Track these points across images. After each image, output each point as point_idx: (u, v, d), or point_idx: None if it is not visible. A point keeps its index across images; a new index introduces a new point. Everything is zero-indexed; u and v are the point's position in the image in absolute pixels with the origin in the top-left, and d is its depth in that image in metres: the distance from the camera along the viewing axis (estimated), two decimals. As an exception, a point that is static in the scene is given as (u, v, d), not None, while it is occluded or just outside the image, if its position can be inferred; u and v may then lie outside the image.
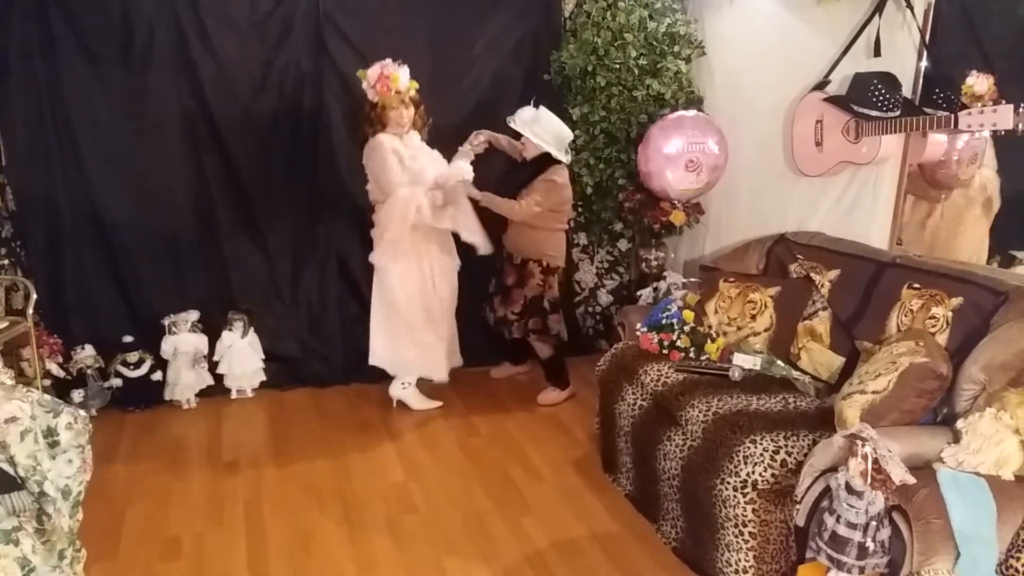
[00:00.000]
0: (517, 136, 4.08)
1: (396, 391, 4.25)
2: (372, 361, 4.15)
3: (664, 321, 3.46)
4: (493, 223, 4.22)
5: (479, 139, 4.13)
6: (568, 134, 4.06)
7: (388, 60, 3.83)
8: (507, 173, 4.21)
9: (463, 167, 4.06)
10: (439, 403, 4.28)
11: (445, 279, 4.15)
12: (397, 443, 3.86)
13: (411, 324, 4.09)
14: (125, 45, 3.98)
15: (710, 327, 3.40)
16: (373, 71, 3.82)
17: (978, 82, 3.03)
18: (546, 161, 4.02)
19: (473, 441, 3.89)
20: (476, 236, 4.00)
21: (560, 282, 4.32)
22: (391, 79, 3.80)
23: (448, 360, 4.26)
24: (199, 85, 4.13)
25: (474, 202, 4.02)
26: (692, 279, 3.94)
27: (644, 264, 4.64)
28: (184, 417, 4.15)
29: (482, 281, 4.52)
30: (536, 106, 4.03)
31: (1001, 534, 2.06)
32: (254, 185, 4.30)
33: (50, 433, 2.35)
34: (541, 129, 3.96)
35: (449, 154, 4.14)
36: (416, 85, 3.94)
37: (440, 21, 4.41)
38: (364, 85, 3.85)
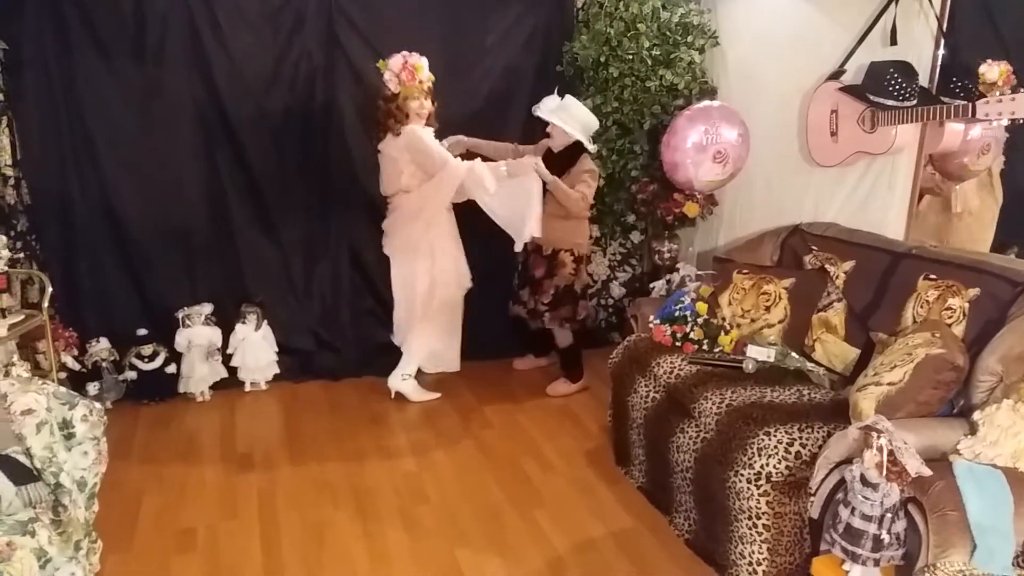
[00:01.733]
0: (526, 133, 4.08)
1: (395, 382, 4.27)
2: (395, 339, 4.32)
3: (677, 313, 3.44)
4: None
5: (542, 174, 3.99)
6: (595, 122, 4.06)
7: (406, 52, 3.87)
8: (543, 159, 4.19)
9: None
10: (437, 395, 4.31)
11: (456, 272, 4.18)
12: (409, 435, 3.86)
13: (424, 313, 4.13)
14: (138, 39, 3.99)
15: (724, 319, 3.39)
16: (396, 61, 3.85)
17: (990, 70, 2.99)
18: (576, 151, 4.03)
19: (485, 433, 3.89)
20: (529, 222, 3.88)
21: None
22: (416, 68, 3.85)
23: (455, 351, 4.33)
24: (211, 79, 4.13)
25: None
26: (706, 271, 3.92)
27: (657, 256, 4.63)
28: (198, 410, 4.17)
29: (501, 276, 4.54)
30: (561, 95, 4.02)
31: (1018, 526, 2.04)
32: (267, 178, 4.31)
33: (66, 425, 2.37)
34: (569, 116, 3.96)
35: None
36: (432, 78, 3.96)
37: (452, 13, 4.40)
38: (386, 76, 3.87)
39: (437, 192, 3.95)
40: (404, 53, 3.87)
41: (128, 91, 4.03)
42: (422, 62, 3.89)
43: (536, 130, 4.28)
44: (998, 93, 2.72)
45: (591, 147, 4.07)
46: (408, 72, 3.84)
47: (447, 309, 4.23)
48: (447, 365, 4.38)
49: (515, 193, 3.90)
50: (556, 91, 4.05)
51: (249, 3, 4.12)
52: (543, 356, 4.74)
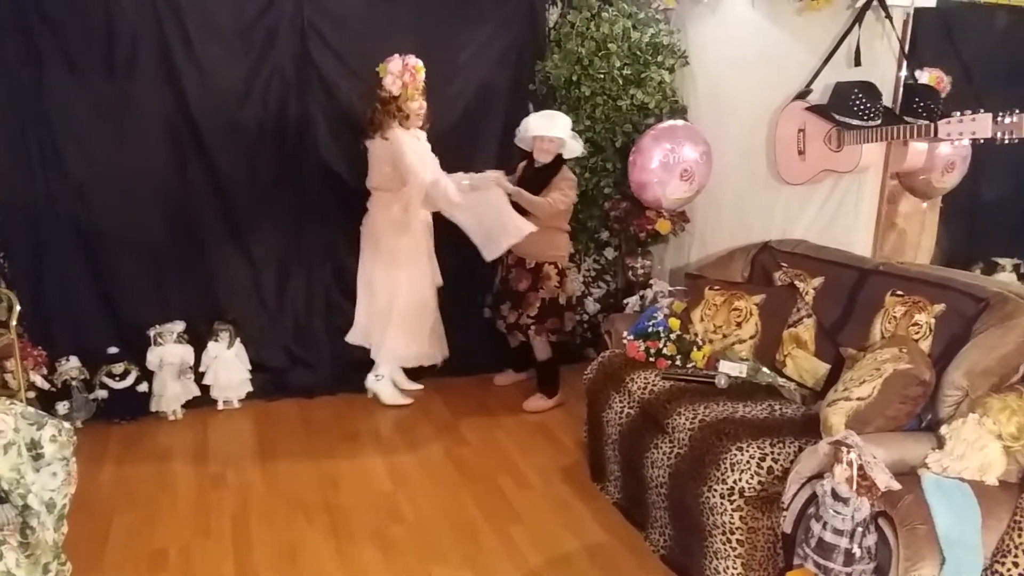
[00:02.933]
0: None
1: (370, 382, 4.35)
2: (349, 338, 4.39)
3: (650, 329, 3.48)
4: None
5: (504, 187, 4.09)
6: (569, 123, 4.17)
7: (398, 55, 3.97)
8: (521, 180, 4.23)
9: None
10: (410, 400, 4.37)
11: (426, 278, 4.27)
12: (385, 453, 3.85)
13: (396, 318, 4.21)
14: (108, 53, 3.96)
15: (696, 335, 3.42)
16: (395, 64, 3.94)
17: (921, 76, 3.09)
18: (557, 163, 4.12)
19: (461, 450, 3.89)
20: (503, 236, 3.99)
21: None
22: (416, 69, 3.96)
23: (433, 348, 4.40)
24: (183, 93, 4.11)
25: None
26: (678, 287, 3.96)
27: (631, 272, 4.66)
28: (170, 428, 4.12)
29: (480, 291, 4.59)
30: (533, 108, 4.14)
31: (986, 539, 2.08)
32: (239, 194, 4.28)
33: (34, 446, 2.33)
34: (564, 126, 4.08)
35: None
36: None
37: (425, 30, 4.41)
38: (387, 80, 3.94)
39: (408, 200, 4.08)
40: (401, 56, 3.95)
41: (99, 106, 4.00)
42: (420, 63, 3.99)
43: (510, 147, 4.33)
44: (958, 113, 2.79)
45: (580, 149, 4.20)
46: (411, 74, 3.94)
47: (418, 311, 4.29)
48: (430, 359, 4.43)
49: (481, 206, 4.00)
50: (530, 105, 4.11)
51: (221, 18, 4.11)
52: (523, 371, 4.75)
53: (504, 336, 4.52)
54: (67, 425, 2.48)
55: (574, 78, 4.42)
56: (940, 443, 2.32)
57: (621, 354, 3.52)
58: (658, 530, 3.01)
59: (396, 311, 4.24)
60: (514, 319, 4.28)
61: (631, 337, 3.51)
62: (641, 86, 4.38)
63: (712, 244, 4.35)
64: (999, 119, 2.71)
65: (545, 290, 4.22)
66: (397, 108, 3.97)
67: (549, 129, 4.03)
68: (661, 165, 4.10)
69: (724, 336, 3.37)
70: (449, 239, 4.28)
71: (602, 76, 4.36)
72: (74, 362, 4.05)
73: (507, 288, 4.33)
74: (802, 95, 3.61)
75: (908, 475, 2.25)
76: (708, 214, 4.44)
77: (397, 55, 3.95)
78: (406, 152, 3.97)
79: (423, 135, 4.13)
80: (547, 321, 4.25)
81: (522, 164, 4.23)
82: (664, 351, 3.37)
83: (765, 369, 3.15)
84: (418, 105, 4.01)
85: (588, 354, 4.80)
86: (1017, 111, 2.68)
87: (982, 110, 2.75)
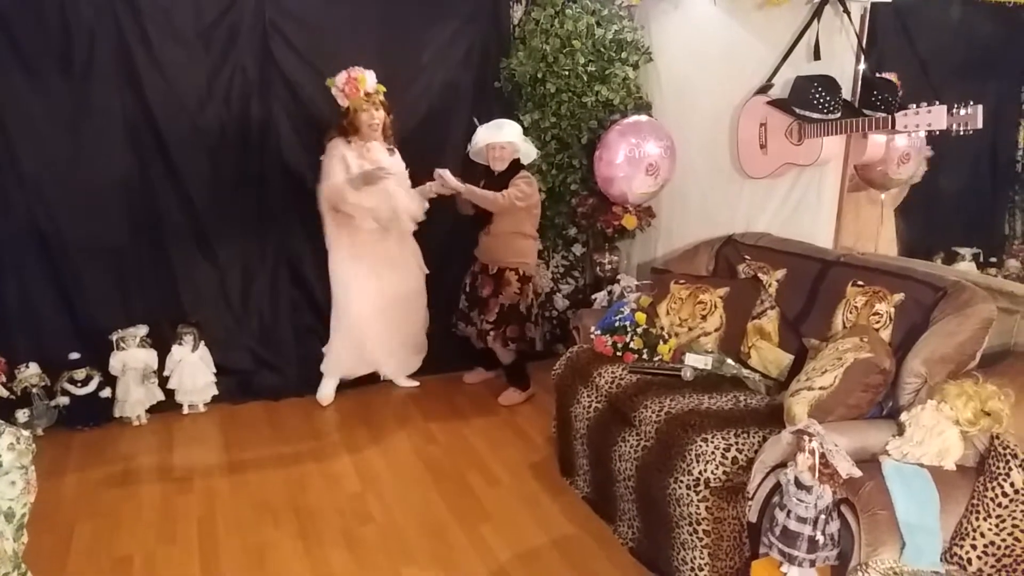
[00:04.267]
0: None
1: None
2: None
3: (617, 324, 3.49)
4: (462, 236, 4.42)
5: (450, 184, 4.13)
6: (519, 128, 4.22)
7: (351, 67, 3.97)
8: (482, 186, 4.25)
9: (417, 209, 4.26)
10: (329, 400, 4.41)
11: (368, 288, 4.26)
12: (353, 454, 3.82)
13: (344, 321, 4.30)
14: (65, 54, 3.89)
15: (662, 328, 3.44)
16: (340, 76, 3.94)
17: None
18: (514, 169, 4.17)
19: (431, 449, 3.88)
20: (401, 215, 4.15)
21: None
22: (358, 80, 3.94)
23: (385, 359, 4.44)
24: (143, 94, 4.05)
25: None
26: (645, 282, 3.98)
27: (598, 268, 4.68)
28: (135, 434, 4.06)
29: (448, 291, 4.59)
30: (479, 121, 4.20)
31: (944, 523, 2.12)
32: (201, 195, 4.23)
33: (-9, 454, 2.28)
34: (513, 132, 4.12)
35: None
36: (383, 89, 4.03)
37: (388, 29, 4.40)
38: (333, 92, 3.96)
39: (340, 214, 4.13)
40: (349, 68, 3.95)
41: (55, 108, 3.92)
42: (365, 74, 3.96)
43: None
44: (915, 106, 2.83)
45: (533, 152, 4.28)
46: (351, 85, 3.91)
47: (351, 324, 4.29)
48: (366, 368, 4.48)
49: (376, 197, 4.06)
50: (475, 120, 4.16)
51: (181, 18, 4.05)
52: (493, 369, 4.75)
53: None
54: (26, 433, 2.42)
55: (539, 75, 4.42)
56: (900, 430, 2.35)
57: (589, 349, 3.53)
58: (626, 523, 3.02)
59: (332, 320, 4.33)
60: (480, 324, 4.29)
61: (598, 332, 3.52)
62: (606, 82, 4.39)
63: (678, 238, 4.37)
64: (954, 111, 2.76)
65: (504, 296, 4.23)
66: (348, 122, 3.99)
67: (498, 136, 4.07)
68: (627, 160, 4.12)
69: (689, 329, 3.40)
70: (420, 241, 4.30)
71: (567, 73, 4.36)
72: (34, 369, 3.97)
73: (474, 294, 4.35)
74: (763, 89, 3.65)
75: (870, 462, 2.27)
76: (674, 209, 4.47)
77: (344, 71, 3.96)
78: (328, 163, 4.03)
79: (378, 148, 4.09)
80: (505, 328, 4.25)
81: (481, 182, 4.22)
82: (631, 345, 3.38)
83: (730, 361, 3.18)
84: (368, 116, 3.99)
85: (557, 350, 4.81)
86: (971, 103, 2.72)
87: (937, 102, 2.80)
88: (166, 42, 4.04)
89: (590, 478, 3.33)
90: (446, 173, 4.08)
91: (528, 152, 4.23)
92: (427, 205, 4.29)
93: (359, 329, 4.30)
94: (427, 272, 4.50)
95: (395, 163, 4.19)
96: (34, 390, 3.96)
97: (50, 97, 3.92)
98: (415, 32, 4.48)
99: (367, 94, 3.98)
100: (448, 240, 4.65)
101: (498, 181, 4.15)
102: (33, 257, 4.02)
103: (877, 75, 3.23)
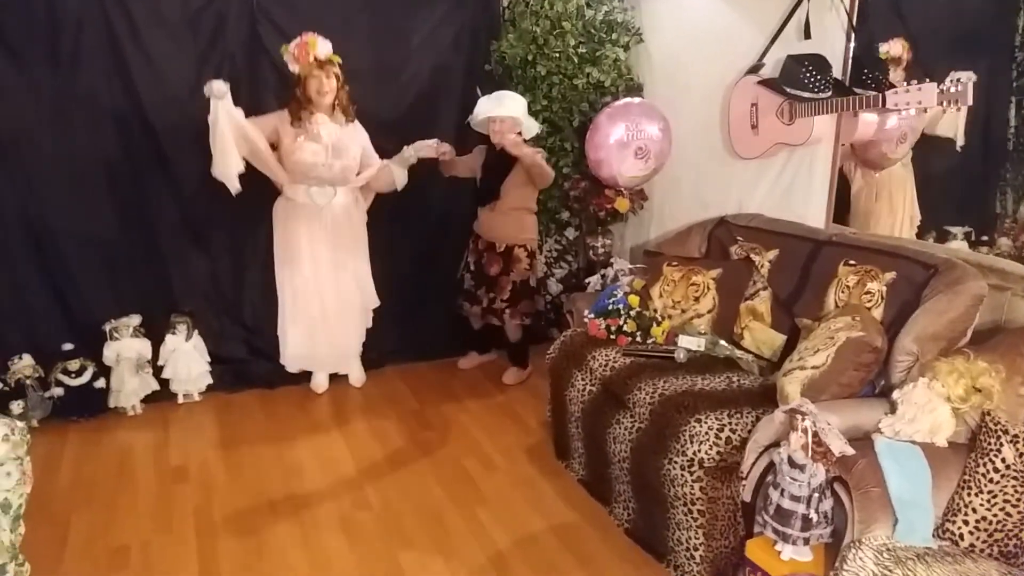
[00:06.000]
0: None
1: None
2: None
3: (611, 307, 3.49)
4: (454, 216, 4.44)
5: (442, 149, 4.14)
6: (524, 104, 4.14)
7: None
8: (484, 166, 4.23)
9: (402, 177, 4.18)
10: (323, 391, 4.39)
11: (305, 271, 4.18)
12: (349, 441, 3.83)
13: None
14: (52, 44, 3.84)
15: (655, 311, 3.45)
16: (294, 43, 3.83)
17: (893, 46, 3.12)
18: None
19: (426, 434, 3.88)
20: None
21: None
22: (309, 44, 3.78)
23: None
24: (132, 83, 4.00)
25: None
26: (638, 265, 3.98)
27: (591, 251, 4.68)
28: (129, 424, 4.06)
29: (440, 275, 4.57)
30: (480, 92, 4.10)
31: (937, 499, 2.13)
32: (192, 184, 4.19)
33: (-15, 446, 2.28)
34: (514, 104, 4.04)
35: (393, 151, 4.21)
36: (339, 59, 3.92)
37: (377, 13, 4.36)
38: (286, 58, 3.85)
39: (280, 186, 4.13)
40: (302, 33, 3.83)
41: (43, 97, 3.88)
42: (316, 39, 3.81)
43: (467, 130, 4.30)
44: (903, 79, 2.82)
45: (536, 127, 4.21)
46: (301, 49, 3.78)
47: (290, 310, 4.25)
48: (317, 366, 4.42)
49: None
50: (478, 90, 4.09)
51: (168, 5, 4.01)
52: (486, 353, 4.77)
53: (465, 319, 4.53)
54: (20, 424, 2.43)
55: (529, 58, 4.39)
56: (892, 408, 2.36)
57: (583, 332, 3.54)
58: (622, 504, 3.04)
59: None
60: (487, 303, 4.28)
61: (592, 315, 3.52)
62: (597, 64, 4.38)
63: (671, 221, 4.37)
64: (944, 88, 2.75)
65: (516, 273, 4.25)
66: (301, 91, 3.86)
67: (498, 110, 4.01)
68: (616, 143, 4.10)
69: (683, 311, 3.40)
70: (413, 224, 4.27)
71: (557, 55, 4.35)
72: (27, 360, 3.96)
73: (480, 273, 4.33)
74: (754, 69, 3.63)
75: (862, 440, 2.29)
76: (666, 191, 4.46)
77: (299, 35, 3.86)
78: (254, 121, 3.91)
79: (324, 120, 3.96)
80: (520, 303, 4.27)
81: (479, 148, 4.21)
82: (624, 328, 3.38)
83: (723, 342, 3.18)
84: (317, 83, 3.84)
85: (551, 334, 4.82)
86: (960, 79, 2.71)
87: (928, 80, 2.78)
88: (153, 30, 4.00)
89: (585, 461, 3.34)
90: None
91: (531, 127, 4.17)
92: (405, 178, 4.22)
93: (296, 316, 4.25)
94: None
95: (354, 133, 4.08)
96: (28, 381, 3.94)
97: (38, 87, 3.87)
98: (404, 16, 4.44)
99: (318, 60, 3.81)
100: (439, 221, 4.63)
101: (501, 156, 4.07)
102: (24, 248, 4.00)
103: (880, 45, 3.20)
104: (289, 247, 4.14)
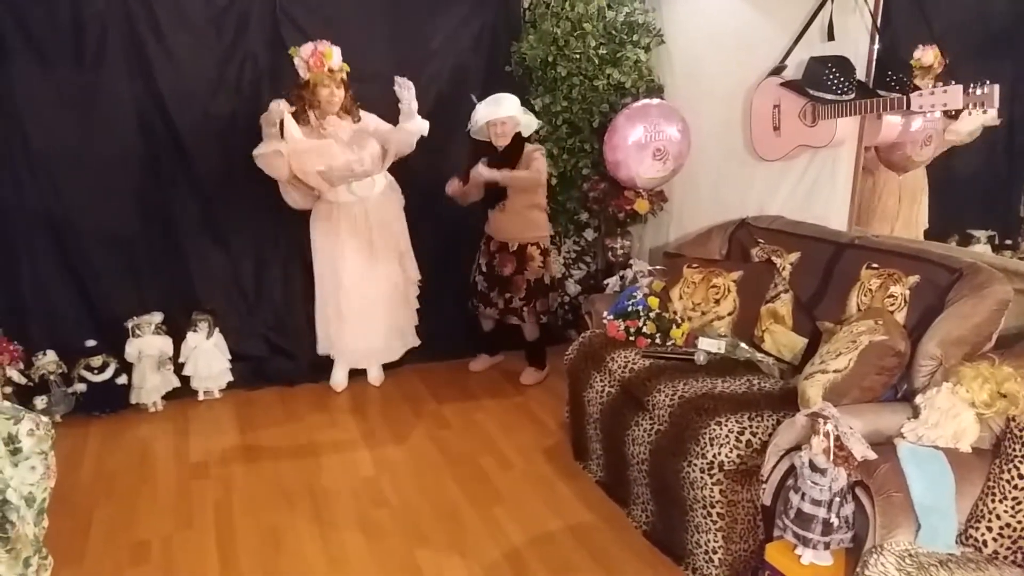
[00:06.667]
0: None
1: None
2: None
3: (630, 308, 3.48)
4: (469, 218, 4.40)
5: (452, 188, 4.25)
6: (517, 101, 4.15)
7: (318, 40, 3.89)
8: (488, 165, 4.24)
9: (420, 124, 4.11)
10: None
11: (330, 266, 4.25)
12: (367, 439, 3.84)
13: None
14: (77, 44, 3.90)
15: (675, 313, 3.43)
16: (306, 48, 3.85)
17: (924, 54, 3.09)
18: (518, 144, 4.11)
19: (444, 433, 3.89)
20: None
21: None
22: (324, 55, 3.83)
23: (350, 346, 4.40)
24: (154, 82, 4.06)
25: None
26: (657, 266, 3.97)
27: (610, 253, 4.67)
28: (151, 420, 4.10)
29: (455, 276, 4.59)
30: (476, 98, 4.14)
31: (960, 505, 2.11)
32: (214, 183, 4.24)
33: (11, 440, 2.32)
34: (511, 106, 4.06)
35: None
36: (347, 68, 3.96)
37: (398, 14, 4.39)
38: (296, 62, 3.88)
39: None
40: (316, 41, 3.87)
41: (67, 97, 3.93)
42: (332, 49, 3.87)
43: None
44: (931, 85, 2.80)
45: (534, 123, 4.23)
46: (316, 58, 3.82)
47: (321, 304, 4.36)
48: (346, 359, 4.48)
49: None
50: (473, 97, 4.13)
51: (191, 5, 4.05)
52: (497, 355, 4.77)
53: (476, 320, 4.54)
54: (45, 419, 2.46)
55: (550, 59, 4.40)
56: (915, 413, 2.34)
57: (601, 334, 3.53)
58: (640, 506, 3.03)
59: None
60: (503, 304, 4.29)
61: (611, 317, 3.52)
62: (617, 65, 4.37)
63: (690, 222, 4.35)
64: (970, 91, 2.72)
65: (530, 271, 4.25)
66: (310, 94, 3.90)
67: (498, 112, 4.02)
68: (634, 144, 4.10)
69: (703, 313, 3.39)
70: (429, 223, 4.28)
71: (578, 56, 4.34)
72: (51, 356, 4.01)
73: (492, 274, 4.33)
74: (776, 71, 3.61)
75: (884, 445, 2.27)
76: (686, 192, 4.45)
77: (311, 42, 3.88)
78: (267, 125, 3.91)
79: (334, 121, 4.01)
80: (535, 302, 4.27)
81: (481, 161, 4.17)
82: (644, 330, 3.37)
83: (743, 345, 3.17)
84: (328, 92, 3.89)
85: (569, 335, 4.82)
86: (987, 82, 2.69)
87: (953, 82, 2.76)
88: (176, 30, 4.04)
89: (603, 462, 3.34)
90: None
91: (528, 123, 4.19)
92: (422, 124, 4.15)
93: (324, 311, 4.35)
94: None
95: (364, 124, 4.10)
96: (51, 377, 4.00)
97: (62, 87, 3.93)
98: (425, 17, 4.46)
99: (331, 70, 3.87)
100: (454, 224, 4.62)
101: (503, 156, 4.09)
102: (48, 246, 4.05)
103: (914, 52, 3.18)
104: (333, 246, 4.20)
